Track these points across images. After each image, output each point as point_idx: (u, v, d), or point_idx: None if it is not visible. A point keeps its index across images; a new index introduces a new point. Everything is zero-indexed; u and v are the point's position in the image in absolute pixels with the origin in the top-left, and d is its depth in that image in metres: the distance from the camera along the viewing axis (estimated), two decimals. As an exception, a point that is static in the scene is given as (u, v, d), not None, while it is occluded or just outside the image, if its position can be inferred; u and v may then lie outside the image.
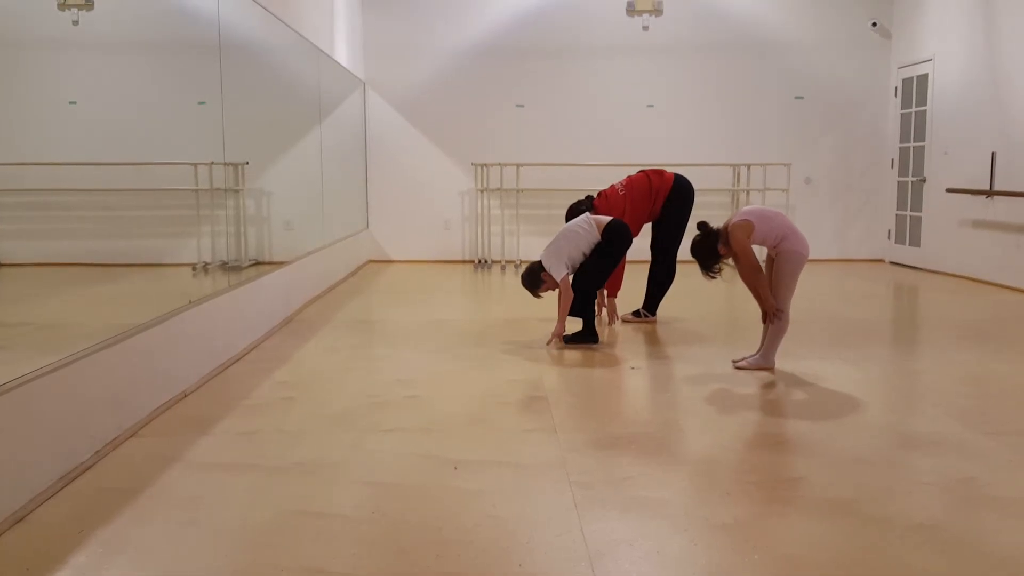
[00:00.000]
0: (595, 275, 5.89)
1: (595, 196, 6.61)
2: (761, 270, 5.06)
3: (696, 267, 5.21)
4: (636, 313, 6.79)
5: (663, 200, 6.51)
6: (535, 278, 5.88)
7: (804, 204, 11.08)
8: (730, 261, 5.20)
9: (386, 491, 3.28)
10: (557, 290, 5.81)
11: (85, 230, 4.19)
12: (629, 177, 6.67)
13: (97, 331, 3.79)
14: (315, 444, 3.84)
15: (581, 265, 5.86)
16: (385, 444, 3.84)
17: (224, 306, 5.35)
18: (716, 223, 5.24)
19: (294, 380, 4.99)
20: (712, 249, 5.04)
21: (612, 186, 6.65)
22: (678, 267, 6.68)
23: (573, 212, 6.47)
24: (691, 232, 6.54)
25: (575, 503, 3.14)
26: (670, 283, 6.72)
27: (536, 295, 5.99)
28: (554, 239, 5.86)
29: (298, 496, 3.22)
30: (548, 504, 3.14)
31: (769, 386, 4.86)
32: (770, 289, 5.10)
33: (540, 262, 5.88)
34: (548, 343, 5.85)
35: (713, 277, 5.13)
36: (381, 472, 3.49)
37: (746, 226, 4.98)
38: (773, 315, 5.06)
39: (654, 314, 6.76)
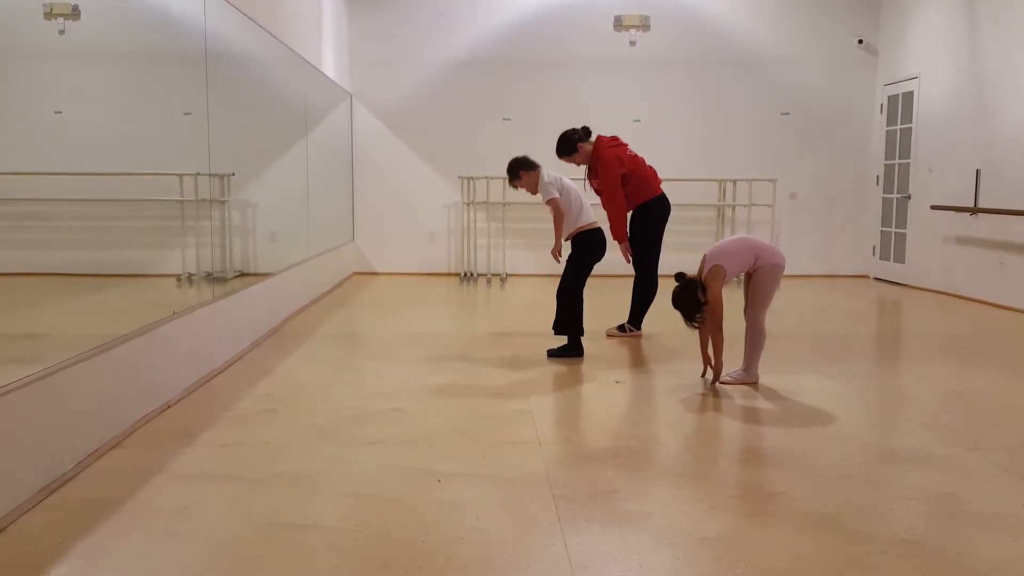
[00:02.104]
0: (571, 286, 6.01)
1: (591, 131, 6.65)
2: (722, 329, 5.09)
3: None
4: (621, 328, 6.80)
5: (645, 200, 6.55)
6: (514, 171, 6.12)
7: (789, 220, 11.15)
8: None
9: (369, 503, 3.27)
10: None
11: (69, 240, 4.17)
12: (640, 157, 6.71)
13: (80, 342, 3.77)
14: (298, 456, 3.82)
15: (562, 279, 5.98)
16: (368, 456, 3.83)
17: (208, 317, 5.33)
18: (700, 239, 5.29)
19: (278, 392, 4.98)
20: (694, 299, 5.05)
21: (626, 145, 6.69)
22: (660, 281, 6.70)
23: (566, 141, 6.54)
24: (667, 247, 6.59)
25: (558, 516, 3.14)
26: (653, 296, 6.73)
27: (512, 184, 6.20)
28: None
29: (280, 508, 3.21)
30: (531, 517, 3.14)
31: (752, 400, 4.87)
32: (748, 302, 5.15)
33: (531, 162, 6.08)
34: (556, 259, 6.11)
35: (696, 326, 5.14)
36: (364, 484, 3.48)
37: (719, 273, 5.00)
38: (718, 373, 5.16)
39: (639, 328, 6.78)
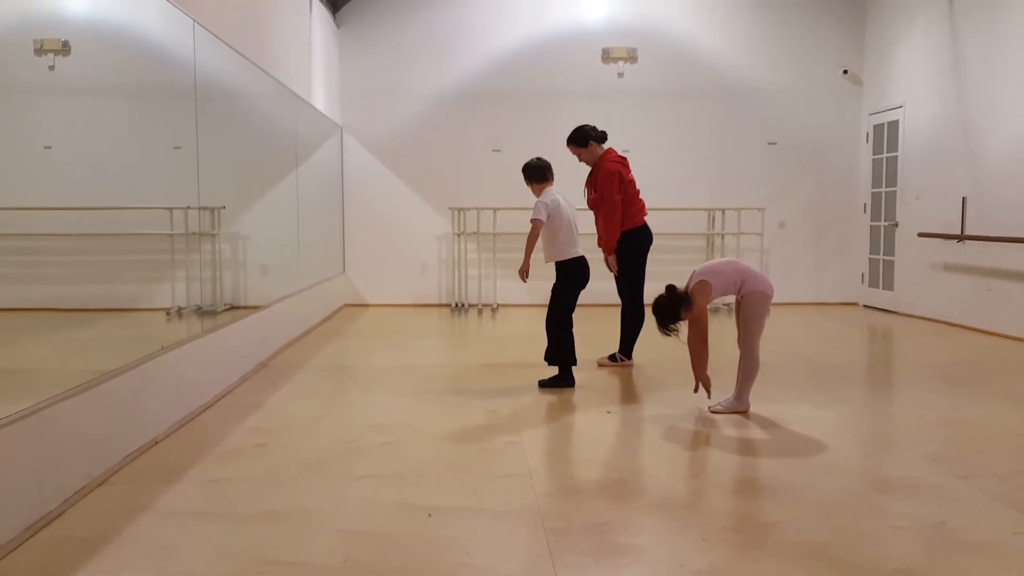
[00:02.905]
0: (558, 316, 6.01)
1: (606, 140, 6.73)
2: (707, 342, 5.11)
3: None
4: (612, 357, 6.79)
5: (629, 227, 6.59)
6: (524, 174, 6.27)
7: (778, 248, 11.19)
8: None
9: (359, 539, 3.24)
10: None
11: (59, 275, 4.16)
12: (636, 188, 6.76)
13: (67, 378, 3.75)
14: (287, 491, 3.79)
15: (549, 310, 6.03)
16: (358, 491, 3.81)
17: (197, 352, 5.31)
18: (689, 268, 5.30)
19: (267, 426, 4.95)
20: (676, 312, 5.07)
21: (630, 170, 6.75)
22: (647, 309, 6.71)
23: (581, 133, 6.67)
24: (656, 276, 6.61)
25: (549, 550, 3.11)
26: (640, 324, 6.73)
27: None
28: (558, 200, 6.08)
29: (269, 545, 3.18)
30: (522, 551, 3.12)
31: (743, 430, 4.86)
32: (740, 331, 5.16)
33: (542, 174, 6.14)
34: (523, 279, 6.12)
35: (668, 335, 5.15)
36: (354, 520, 3.45)
37: (705, 289, 5.03)
38: (707, 387, 5.17)
39: (630, 357, 6.77)
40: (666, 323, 5.09)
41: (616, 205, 6.49)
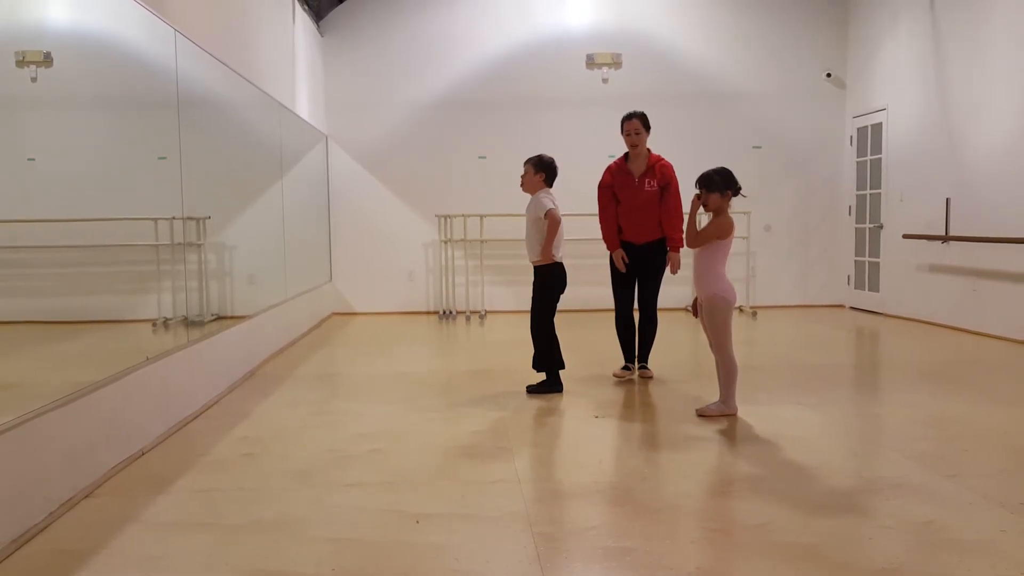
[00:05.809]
0: (541, 323, 5.98)
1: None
2: (701, 244, 5.17)
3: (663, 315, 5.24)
4: (642, 367, 6.54)
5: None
6: (536, 165, 6.00)
7: (764, 251, 11.23)
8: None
9: (347, 547, 3.24)
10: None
11: (44, 288, 4.14)
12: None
13: (53, 390, 3.73)
14: (276, 501, 3.78)
15: (531, 317, 6.01)
16: (347, 499, 3.80)
17: (184, 362, 5.29)
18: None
19: (255, 436, 4.93)
20: (716, 183, 5.16)
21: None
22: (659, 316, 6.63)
23: (649, 124, 6.83)
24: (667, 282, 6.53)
25: (538, 555, 3.11)
26: (654, 331, 6.54)
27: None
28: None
29: (257, 554, 3.17)
30: (511, 556, 3.12)
31: (731, 432, 4.87)
32: (710, 338, 5.23)
33: (547, 166, 5.99)
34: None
35: (703, 202, 5.20)
36: (342, 528, 3.44)
37: (727, 220, 5.13)
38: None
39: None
40: (712, 187, 5.16)
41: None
